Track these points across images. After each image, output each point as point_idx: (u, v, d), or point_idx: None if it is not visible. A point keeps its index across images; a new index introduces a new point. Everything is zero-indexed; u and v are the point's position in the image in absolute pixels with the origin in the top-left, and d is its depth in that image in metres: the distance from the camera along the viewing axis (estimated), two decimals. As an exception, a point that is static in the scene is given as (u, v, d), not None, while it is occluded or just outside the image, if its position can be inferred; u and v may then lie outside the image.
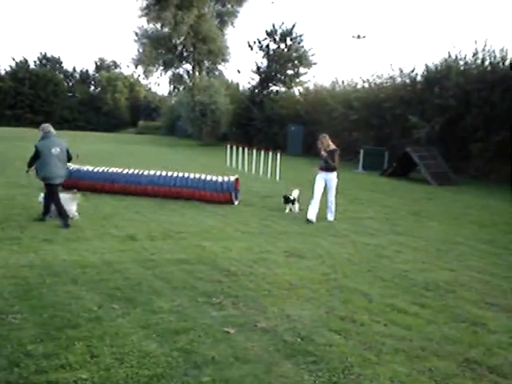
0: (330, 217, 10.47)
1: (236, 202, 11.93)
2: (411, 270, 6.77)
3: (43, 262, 6.30)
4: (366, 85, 28.84)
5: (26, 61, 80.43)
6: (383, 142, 25.13)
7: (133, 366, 3.61)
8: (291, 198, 11.10)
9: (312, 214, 10.10)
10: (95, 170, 12.84)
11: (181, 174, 12.22)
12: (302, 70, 39.41)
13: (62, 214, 8.64)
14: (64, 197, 9.06)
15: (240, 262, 6.64)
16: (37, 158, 8.75)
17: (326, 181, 10.25)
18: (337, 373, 3.73)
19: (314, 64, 39.14)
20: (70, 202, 9.19)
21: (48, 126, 9.08)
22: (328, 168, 10.17)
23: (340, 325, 4.64)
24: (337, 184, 10.36)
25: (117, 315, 4.52)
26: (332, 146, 10.20)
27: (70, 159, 9.28)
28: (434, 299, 5.54)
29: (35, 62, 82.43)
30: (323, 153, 10.10)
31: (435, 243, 8.62)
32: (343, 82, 32.08)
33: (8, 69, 78.22)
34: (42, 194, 9.19)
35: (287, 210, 11.05)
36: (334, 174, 10.27)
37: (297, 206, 11.18)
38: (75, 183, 12.63)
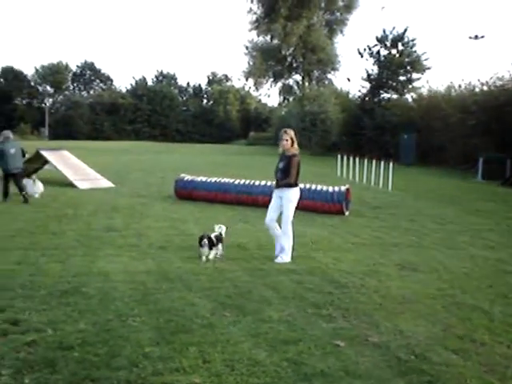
0: (278, 254, 7.26)
1: (346, 213, 11.75)
2: (538, 287, 6.23)
3: (159, 268, 6.61)
4: (485, 88, 27.26)
5: (145, 78, 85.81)
6: (504, 149, 23.48)
7: (243, 373, 3.65)
8: (212, 237, 7.18)
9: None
10: (208, 180, 13.31)
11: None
12: (414, 75, 38.16)
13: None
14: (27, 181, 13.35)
15: (351, 274, 6.52)
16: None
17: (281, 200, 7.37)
18: (454, 395, 3.52)
19: (428, 69, 37.79)
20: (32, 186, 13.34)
21: (8, 133, 13.06)
22: (284, 182, 7.36)
23: (458, 344, 4.36)
24: (295, 206, 7.45)
25: (228, 323, 4.62)
26: (292, 150, 7.34)
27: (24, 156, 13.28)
28: None
29: (152, 79, 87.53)
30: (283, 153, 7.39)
31: None
32: (460, 85, 30.60)
33: (129, 87, 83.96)
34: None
35: (203, 258, 7.03)
36: (292, 191, 7.35)
37: (220, 248, 7.36)
38: (189, 193, 13.20)
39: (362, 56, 40.18)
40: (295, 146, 7.30)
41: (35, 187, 13.46)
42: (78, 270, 6.35)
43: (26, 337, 4.08)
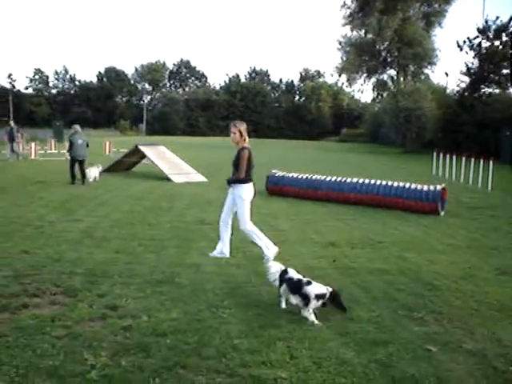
0: (217, 250, 7.04)
1: (442, 213, 11.29)
2: None
3: (249, 262, 6.72)
4: None
5: (238, 75, 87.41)
6: None
7: (330, 371, 3.62)
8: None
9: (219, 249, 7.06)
10: (299, 176, 13.31)
11: (384, 182, 12.00)
12: (521, 68, 35.77)
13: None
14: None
15: (445, 277, 6.25)
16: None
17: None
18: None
19: (538, 60, 35.20)
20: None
21: (77, 127, 15.75)
22: (233, 178, 6.91)
23: None
24: (249, 204, 6.98)
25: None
26: (242, 144, 6.78)
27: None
28: None
29: (246, 75, 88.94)
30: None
31: None
32: None
33: (222, 84, 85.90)
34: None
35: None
36: (241, 187, 6.82)
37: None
38: (280, 189, 13.28)
39: (461, 49, 38.42)
40: (246, 139, 6.77)
41: (96, 172, 16.07)
42: (172, 260, 6.60)
43: (122, 322, 4.30)
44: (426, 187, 11.48)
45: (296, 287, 4.66)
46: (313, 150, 39.74)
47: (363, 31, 46.14)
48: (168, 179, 16.28)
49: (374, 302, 5.17)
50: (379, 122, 48.63)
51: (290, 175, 13.52)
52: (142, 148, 17.75)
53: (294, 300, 4.67)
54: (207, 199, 12.48)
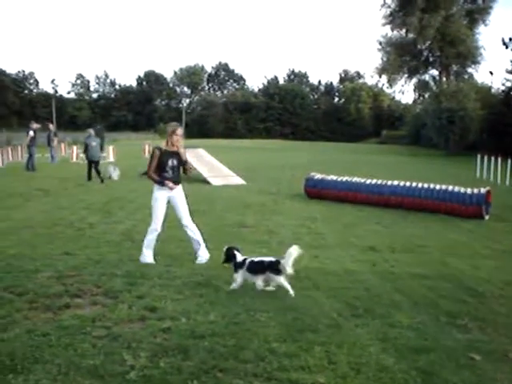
0: (200, 255, 6.90)
1: (486, 217, 10.97)
2: None
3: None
4: None
5: (276, 77, 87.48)
6: None
7: (369, 378, 3.55)
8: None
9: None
10: (338, 179, 13.19)
11: (425, 185, 11.75)
12: None
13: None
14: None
15: (489, 283, 6.06)
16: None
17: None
18: None
19: None
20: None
21: (91, 131, 17.81)
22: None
23: None
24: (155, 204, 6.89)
25: (355, 325, 4.53)
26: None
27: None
28: None
29: (284, 77, 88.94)
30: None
31: None
32: None
33: (261, 86, 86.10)
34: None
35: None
36: (181, 186, 6.91)
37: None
38: (319, 192, 13.21)
39: (506, 46, 37.32)
40: (168, 141, 6.68)
41: (115, 173, 17.58)
42: (210, 263, 6.63)
43: (161, 323, 4.33)
44: (469, 190, 11.18)
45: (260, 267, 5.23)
46: (352, 153, 39.35)
47: (404, 30, 45.42)
48: (207, 182, 16.40)
49: (414, 308, 5.05)
50: (421, 123, 47.67)
51: (329, 178, 13.41)
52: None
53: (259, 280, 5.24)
54: (246, 202, 12.51)
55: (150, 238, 6.80)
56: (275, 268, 5.12)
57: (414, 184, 11.94)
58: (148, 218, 10.07)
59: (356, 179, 13.03)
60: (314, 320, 4.58)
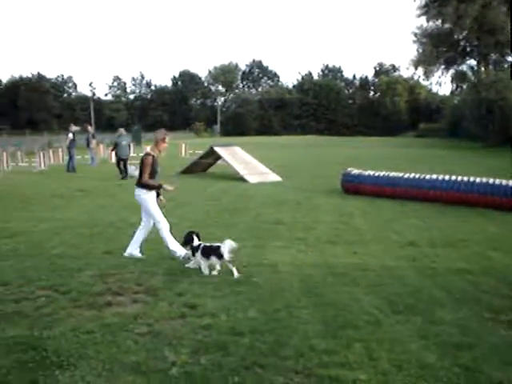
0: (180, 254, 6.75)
1: (529, 209, 10.66)
2: None
3: (326, 262, 6.66)
4: None
5: (310, 73, 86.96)
6: None
7: (411, 375, 3.51)
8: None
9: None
10: (376, 174, 13.05)
11: (465, 178, 11.49)
12: None
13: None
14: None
15: (534, 277, 5.91)
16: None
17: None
18: None
19: None
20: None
21: (122, 130, 19.18)
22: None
23: None
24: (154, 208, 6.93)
25: (396, 321, 4.48)
26: (147, 149, 7.29)
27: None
28: None
29: (318, 73, 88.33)
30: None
31: None
32: None
33: (295, 82, 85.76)
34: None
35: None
36: (141, 191, 6.84)
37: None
38: (356, 187, 13.10)
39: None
40: (155, 146, 6.93)
41: (136, 171, 16.49)
42: (249, 260, 6.67)
43: (201, 320, 4.38)
44: (511, 182, 10.89)
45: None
46: (389, 147, 38.81)
47: (440, 21, 44.42)
48: (243, 179, 16.46)
49: (456, 304, 4.97)
50: (459, 115, 46.56)
51: (367, 173, 13.27)
52: (217, 149, 18.05)
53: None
54: (282, 199, 12.51)
55: (167, 235, 6.89)
56: (217, 252, 5.78)
57: (453, 177, 11.70)
58: (188, 215, 10.29)
59: (394, 174, 12.86)
60: (354, 316, 4.56)
